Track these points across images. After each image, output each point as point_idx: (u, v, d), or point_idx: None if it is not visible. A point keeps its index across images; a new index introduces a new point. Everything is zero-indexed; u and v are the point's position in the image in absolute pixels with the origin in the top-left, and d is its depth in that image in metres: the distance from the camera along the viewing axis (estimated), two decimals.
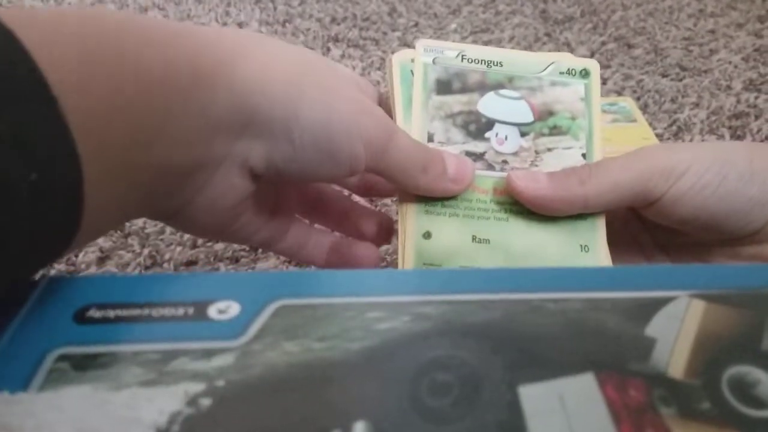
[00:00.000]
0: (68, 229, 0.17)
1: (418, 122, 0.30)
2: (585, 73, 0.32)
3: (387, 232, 0.33)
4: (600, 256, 0.29)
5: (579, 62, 0.33)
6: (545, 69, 0.32)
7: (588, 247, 0.29)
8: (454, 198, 0.29)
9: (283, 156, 0.23)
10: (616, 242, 0.30)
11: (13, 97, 0.15)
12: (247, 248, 0.45)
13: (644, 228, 0.32)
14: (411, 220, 0.29)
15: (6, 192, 0.15)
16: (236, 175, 0.23)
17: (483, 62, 0.32)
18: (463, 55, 0.32)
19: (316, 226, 0.34)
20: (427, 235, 0.29)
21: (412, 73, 0.31)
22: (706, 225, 0.28)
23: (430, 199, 0.29)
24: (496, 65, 0.32)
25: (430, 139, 0.30)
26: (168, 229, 0.47)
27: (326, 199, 0.33)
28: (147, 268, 0.44)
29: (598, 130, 0.31)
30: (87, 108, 0.17)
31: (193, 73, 0.20)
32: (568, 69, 0.32)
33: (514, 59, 0.32)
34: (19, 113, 0.15)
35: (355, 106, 0.24)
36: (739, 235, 0.28)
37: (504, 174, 0.30)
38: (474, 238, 0.29)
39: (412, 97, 0.31)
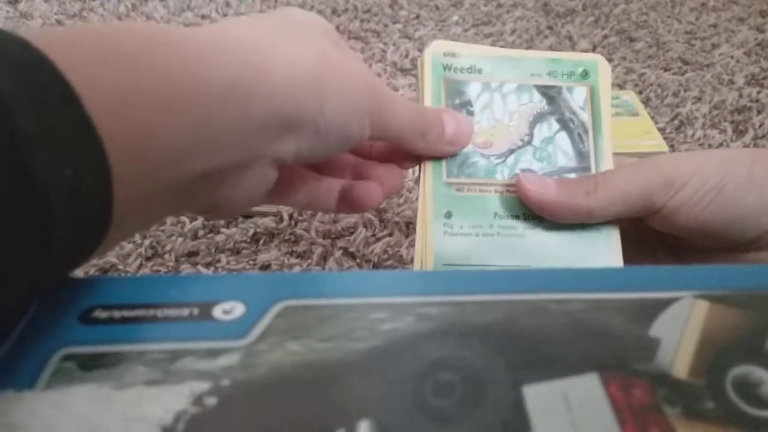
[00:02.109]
0: (99, 226, 0.17)
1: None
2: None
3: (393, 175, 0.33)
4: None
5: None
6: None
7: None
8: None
9: (311, 146, 0.25)
10: (626, 243, 0.30)
11: (41, 104, 0.15)
12: (248, 240, 0.45)
13: (653, 231, 0.33)
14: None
15: (41, 187, 0.15)
16: (269, 169, 0.25)
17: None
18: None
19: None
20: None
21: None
22: (706, 233, 0.28)
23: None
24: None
25: None
26: (169, 221, 0.47)
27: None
28: (148, 258, 0.44)
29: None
30: (121, 126, 0.17)
31: (225, 87, 0.21)
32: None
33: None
34: (51, 120, 0.15)
35: (365, 88, 0.26)
36: (740, 242, 0.29)
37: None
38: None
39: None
